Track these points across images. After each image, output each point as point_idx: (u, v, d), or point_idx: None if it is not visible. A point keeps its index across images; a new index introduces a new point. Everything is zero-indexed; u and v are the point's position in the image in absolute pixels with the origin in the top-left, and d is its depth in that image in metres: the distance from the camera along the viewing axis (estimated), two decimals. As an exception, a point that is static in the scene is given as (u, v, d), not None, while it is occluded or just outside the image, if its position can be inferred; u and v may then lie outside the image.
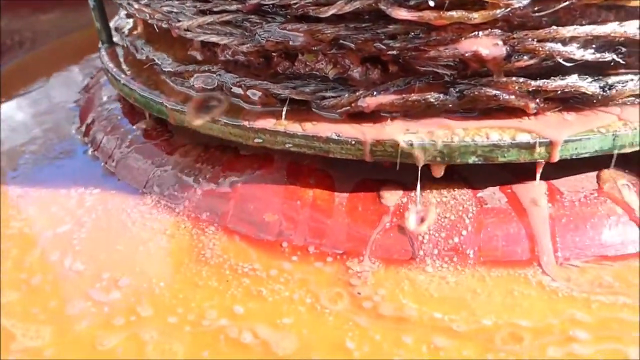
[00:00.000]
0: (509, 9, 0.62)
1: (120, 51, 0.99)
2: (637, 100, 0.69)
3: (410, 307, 0.63)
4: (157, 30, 0.85)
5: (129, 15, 1.03)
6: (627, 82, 0.68)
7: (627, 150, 0.68)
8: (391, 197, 0.70)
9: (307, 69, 0.74)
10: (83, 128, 1.01)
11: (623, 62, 0.65)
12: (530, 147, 0.66)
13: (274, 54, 0.76)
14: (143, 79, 0.87)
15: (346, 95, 0.69)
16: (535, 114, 0.69)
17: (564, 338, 0.60)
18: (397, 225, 0.68)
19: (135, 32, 0.97)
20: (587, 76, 0.68)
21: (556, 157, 0.67)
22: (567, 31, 0.63)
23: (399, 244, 0.67)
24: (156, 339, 0.63)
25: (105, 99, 1.03)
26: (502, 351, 0.59)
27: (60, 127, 1.05)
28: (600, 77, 0.68)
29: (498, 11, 0.62)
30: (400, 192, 0.70)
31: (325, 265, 0.68)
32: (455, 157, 0.67)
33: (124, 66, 0.94)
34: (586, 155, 0.67)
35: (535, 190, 0.69)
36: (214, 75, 0.77)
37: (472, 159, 0.67)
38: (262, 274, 0.68)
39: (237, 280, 0.68)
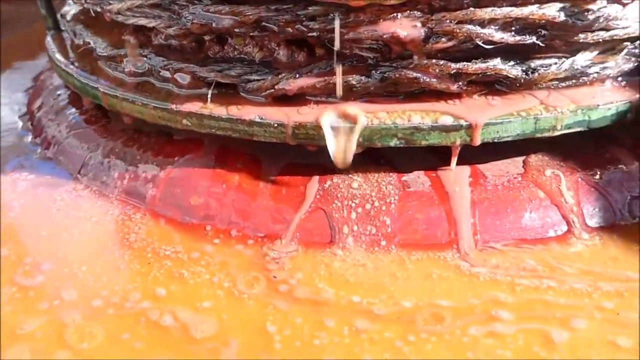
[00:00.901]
0: (423, -10, 0.61)
1: (68, 38, 0.99)
2: (562, 84, 0.69)
3: (327, 291, 0.63)
4: (94, 15, 0.84)
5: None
6: (550, 65, 0.68)
7: (549, 134, 0.67)
8: (315, 181, 0.69)
9: (236, 53, 0.74)
10: (28, 115, 1.00)
11: (542, 45, 0.65)
12: (451, 129, 0.66)
13: (205, 38, 0.76)
14: (82, 64, 0.86)
15: (270, 78, 0.69)
16: (460, 98, 0.69)
17: (486, 317, 0.60)
18: (319, 208, 0.68)
19: (78, 18, 0.96)
20: (510, 60, 0.67)
21: (478, 141, 0.66)
22: (485, 13, 0.63)
23: (320, 228, 0.67)
24: (77, 322, 0.63)
25: (52, 86, 1.02)
26: (423, 332, 0.59)
27: (7, 115, 1.05)
28: (524, 60, 0.68)
29: (413, -8, 0.62)
30: (321, 176, 0.70)
31: (245, 248, 0.68)
32: (376, 140, 0.66)
33: (70, 53, 0.93)
34: (509, 139, 0.67)
35: (457, 174, 0.69)
36: (145, 58, 0.77)
37: (393, 142, 0.67)
38: (183, 256, 0.68)
39: (159, 262, 0.68)
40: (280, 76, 0.68)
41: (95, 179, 0.79)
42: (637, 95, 0.69)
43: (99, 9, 0.80)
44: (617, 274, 0.63)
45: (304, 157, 0.73)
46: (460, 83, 0.67)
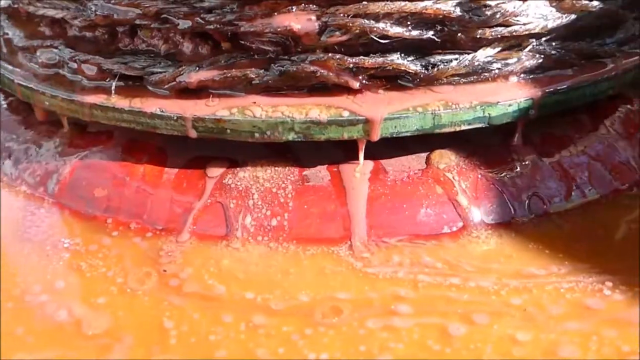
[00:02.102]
0: (314, -18, 0.61)
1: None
2: (463, 80, 0.69)
3: (217, 287, 0.63)
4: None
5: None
6: (450, 61, 0.68)
7: (449, 130, 0.67)
8: (214, 173, 0.69)
9: (144, 45, 0.74)
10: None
11: (439, 41, 0.65)
12: (348, 124, 0.66)
13: (118, 30, 0.76)
14: (4, 56, 0.86)
15: (171, 70, 0.69)
16: (362, 92, 0.69)
17: (385, 311, 0.60)
18: (217, 202, 0.68)
19: (4, 10, 0.96)
20: (410, 55, 0.67)
21: (376, 136, 0.66)
22: (377, 7, 0.63)
23: (216, 221, 0.67)
24: (-23, 316, 0.63)
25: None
26: (321, 325, 0.59)
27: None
28: (424, 56, 0.68)
29: (303, -15, 0.61)
30: (223, 169, 0.69)
31: (142, 241, 0.68)
32: (274, 134, 0.66)
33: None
34: (408, 134, 0.67)
35: (359, 169, 0.69)
36: (56, 50, 0.76)
37: (291, 136, 0.66)
38: (81, 248, 0.68)
39: (58, 255, 0.68)
40: (180, 69, 0.68)
41: (7, 170, 0.79)
42: (540, 92, 0.69)
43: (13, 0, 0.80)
44: (523, 271, 0.64)
45: (211, 149, 0.72)
46: (361, 78, 0.67)
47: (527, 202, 0.68)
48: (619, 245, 0.67)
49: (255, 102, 0.67)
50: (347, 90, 0.68)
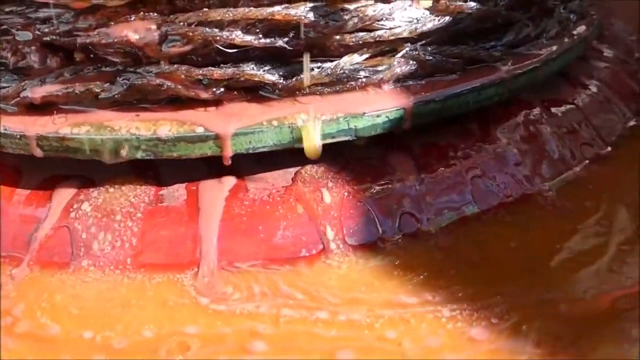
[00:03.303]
0: (145, -11, 0.56)
1: None
2: (328, 89, 0.64)
3: (51, 327, 0.57)
4: None
5: None
6: (311, 69, 0.63)
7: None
8: (64, 195, 0.65)
9: (-3, 58, 0.69)
10: None
11: (290, 48, 0.60)
12: (198, 141, 0.61)
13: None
14: None
15: (14, 85, 0.64)
16: (221, 105, 0.64)
17: (238, 348, 0.55)
18: (64, 226, 0.63)
19: None
20: (267, 64, 0.62)
21: (229, 152, 0.61)
22: (219, 14, 0.58)
23: (60, 249, 0.62)
24: None
25: None
26: None
27: None
28: (283, 64, 0.63)
29: (134, -8, 0.57)
30: (75, 190, 0.65)
31: (-16, 272, 0.63)
32: (121, 153, 0.62)
33: None
34: (265, 150, 0.62)
35: (218, 187, 0.64)
36: None
37: (139, 154, 0.62)
38: None
39: None
40: (23, 83, 0.64)
41: None
42: (413, 101, 0.64)
43: None
44: (394, 300, 0.58)
45: (69, 167, 0.68)
46: (215, 90, 0.62)
47: (397, 220, 0.63)
48: (501, 267, 0.61)
49: (104, 118, 0.63)
50: (205, 103, 0.64)
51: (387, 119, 0.63)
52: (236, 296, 0.58)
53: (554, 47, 0.74)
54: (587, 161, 0.74)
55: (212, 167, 0.66)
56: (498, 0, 0.68)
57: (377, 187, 0.64)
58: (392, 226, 0.63)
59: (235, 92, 0.63)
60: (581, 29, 0.80)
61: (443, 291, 0.58)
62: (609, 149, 0.76)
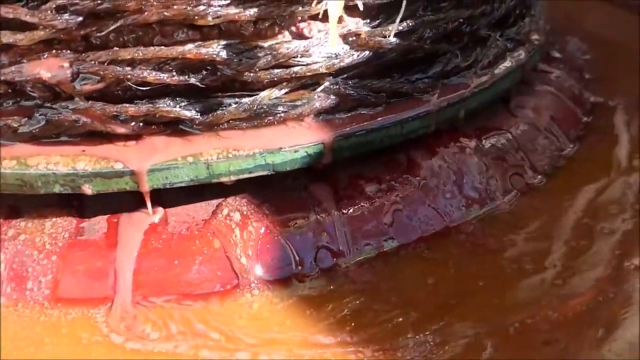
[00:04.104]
0: (54, 30, 0.57)
1: None
2: (247, 124, 0.64)
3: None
4: None
5: None
6: (229, 105, 0.63)
7: (227, 180, 0.63)
8: (-14, 228, 0.65)
9: None
10: None
11: (202, 85, 0.60)
12: (114, 176, 0.61)
13: None
14: None
15: None
16: (141, 139, 0.64)
17: None
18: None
19: None
20: (185, 99, 0.63)
21: (146, 187, 0.62)
22: (129, 53, 0.58)
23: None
24: None
25: None
26: None
27: None
28: (200, 100, 0.63)
29: (43, 33, 0.57)
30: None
31: None
32: (39, 187, 0.62)
33: None
34: (183, 185, 0.63)
35: (139, 220, 0.65)
36: None
37: (57, 188, 0.62)
38: None
39: None
40: None
41: None
42: (333, 136, 0.64)
43: None
44: (310, 339, 0.58)
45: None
46: (134, 124, 0.62)
47: (314, 255, 0.64)
48: (418, 304, 0.61)
49: (24, 152, 0.63)
50: (125, 137, 0.64)
51: (306, 154, 0.64)
52: (154, 335, 0.59)
53: (485, 77, 0.74)
54: (517, 192, 0.74)
55: (136, 199, 0.67)
56: (423, 33, 0.68)
57: (296, 221, 0.65)
58: (309, 261, 0.63)
59: (155, 127, 0.64)
60: (519, 55, 0.80)
61: (362, 332, 0.58)
62: (541, 178, 0.77)
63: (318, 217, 0.65)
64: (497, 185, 0.73)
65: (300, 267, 0.63)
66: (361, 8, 0.60)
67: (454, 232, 0.68)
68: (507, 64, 0.78)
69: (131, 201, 0.67)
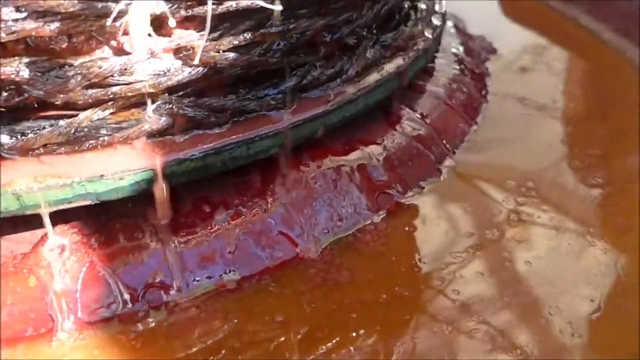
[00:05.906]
0: None
1: None
2: (67, 148, 0.58)
3: None
4: None
5: None
6: (43, 128, 0.56)
7: (45, 211, 0.57)
8: None
9: None
10: None
11: (3, 109, 0.54)
12: None
13: None
14: None
15: None
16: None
17: None
18: None
19: None
20: (0, 122, 0.56)
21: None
22: None
23: None
24: None
25: None
26: None
27: None
28: (12, 122, 0.56)
29: None
30: None
31: None
32: None
33: None
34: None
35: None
36: None
37: None
38: None
39: None
40: None
41: None
42: (165, 161, 0.59)
43: None
44: None
45: None
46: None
47: (143, 292, 0.58)
48: (259, 345, 0.57)
49: None
50: None
51: (134, 182, 0.58)
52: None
53: (351, 89, 0.69)
54: (384, 212, 0.69)
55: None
56: (269, 46, 0.62)
57: (125, 254, 0.59)
58: (137, 299, 0.58)
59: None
60: (397, 63, 0.75)
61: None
62: (413, 195, 0.72)
63: (152, 248, 0.60)
64: (361, 207, 0.68)
65: (126, 306, 0.58)
66: (173, 25, 0.53)
67: (303, 264, 0.63)
68: (381, 73, 0.73)
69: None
